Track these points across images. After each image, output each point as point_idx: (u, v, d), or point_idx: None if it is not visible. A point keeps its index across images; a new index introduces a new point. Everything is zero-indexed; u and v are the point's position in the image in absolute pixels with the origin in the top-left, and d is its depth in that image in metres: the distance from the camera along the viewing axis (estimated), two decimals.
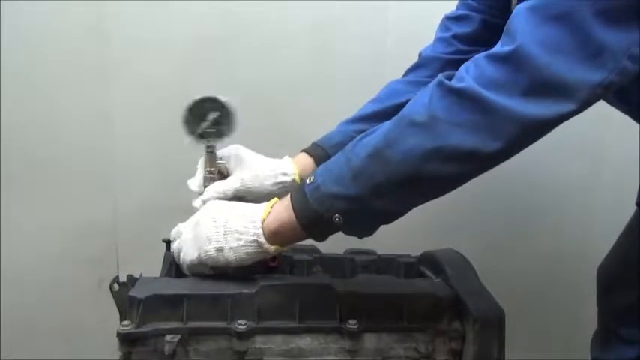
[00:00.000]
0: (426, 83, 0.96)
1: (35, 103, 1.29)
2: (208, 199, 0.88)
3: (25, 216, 1.33)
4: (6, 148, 1.29)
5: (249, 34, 1.30)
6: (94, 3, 1.24)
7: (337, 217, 0.71)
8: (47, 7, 1.23)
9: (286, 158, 0.96)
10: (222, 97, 0.87)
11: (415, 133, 0.67)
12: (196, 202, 0.89)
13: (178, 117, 0.88)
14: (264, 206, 0.78)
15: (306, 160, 0.96)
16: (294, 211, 0.74)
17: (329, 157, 0.94)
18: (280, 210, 0.76)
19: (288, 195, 0.77)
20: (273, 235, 0.76)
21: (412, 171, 0.68)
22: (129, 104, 1.30)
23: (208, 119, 0.87)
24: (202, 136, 0.88)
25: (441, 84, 0.68)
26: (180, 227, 0.84)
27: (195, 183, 0.92)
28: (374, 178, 0.69)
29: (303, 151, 0.98)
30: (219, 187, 0.90)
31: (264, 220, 0.76)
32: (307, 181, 0.74)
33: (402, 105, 0.94)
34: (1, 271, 1.33)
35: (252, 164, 0.93)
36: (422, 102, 0.68)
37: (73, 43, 1.26)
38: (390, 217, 0.74)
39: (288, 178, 0.93)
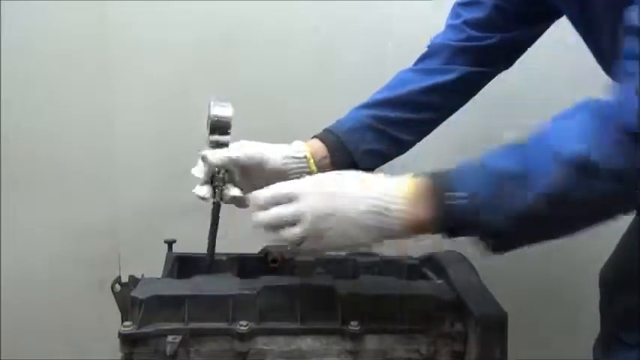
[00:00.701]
0: (436, 72, 0.97)
1: (35, 104, 1.28)
2: (216, 163, 0.85)
3: (26, 216, 1.32)
4: (7, 148, 1.29)
5: (250, 35, 1.30)
6: (95, 3, 1.24)
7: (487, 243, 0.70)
8: (47, 8, 1.23)
9: (297, 141, 0.93)
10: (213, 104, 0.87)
11: (595, 182, 0.62)
12: (198, 190, 0.87)
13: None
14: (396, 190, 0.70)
15: (317, 144, 0.93)
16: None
17: (341, 142, 0.93)
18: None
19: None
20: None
21: (592, 217, 0.66)
22: (130, 104, 1.30)
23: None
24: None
25: (607, 119, 0.61)
26: (301, 211, 0.70)
27: (199, 171, 0.87)
28: (544, 223, 0.67)
29: (315, 137, 0.95)
30: (222, 153, 0.85)
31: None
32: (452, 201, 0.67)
33: (412, 93, 0.96)
34: (1, 271, 1.33)
35: (260, 147, 0.89)
36: (586, 142, 0.61)
37: (74, 44, 1.26)
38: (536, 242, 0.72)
39: (300, 154, 0.90)
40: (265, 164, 0.87)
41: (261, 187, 0.76)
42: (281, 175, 0.87)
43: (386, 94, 0.97)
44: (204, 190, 0.87)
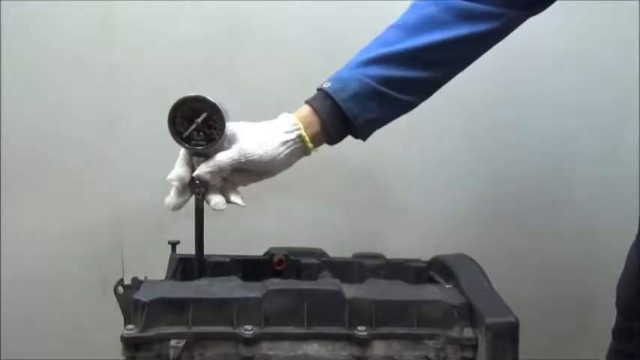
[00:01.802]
0: (467, 16, 0.78)
1: (38, 103, 1.28)
2: (202, 177, 0.79)
3: (27, 216, 1.32)
4: (9, 147, 1.28)
5: (255, 36, 1.30)
6: (99, 3, 1.24)
7: None
8: (50, 7, 1.23)
9: (285, 114, 0.84)
10: (211, 97, 0.77)
11: None
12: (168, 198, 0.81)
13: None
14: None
15: (308, 115, 0.83)
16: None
17: (341, 112, 0.81)
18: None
19: None
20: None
21: None
22: (133, 104, 1.30)
23: (197, 121, 0.77)
24: (189, 140, 0.78)
25: None
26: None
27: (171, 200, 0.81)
28: None
29: (308, 102, 0.84)
30: (213, 160, 0.78)
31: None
32: None
33: (441, 44, 0.78)
34: (1, 271, 1.33)
35: (249, 132, 0.81)
36: None
37: (76, 43, 1.26)
38: None
39: (293, 135, 0.81)
40: (263, 156, 0.80)
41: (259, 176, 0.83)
42: (283, 163, 0.82)
43: (403, 45, 0.80)
44: (177, 199, 0.81)
